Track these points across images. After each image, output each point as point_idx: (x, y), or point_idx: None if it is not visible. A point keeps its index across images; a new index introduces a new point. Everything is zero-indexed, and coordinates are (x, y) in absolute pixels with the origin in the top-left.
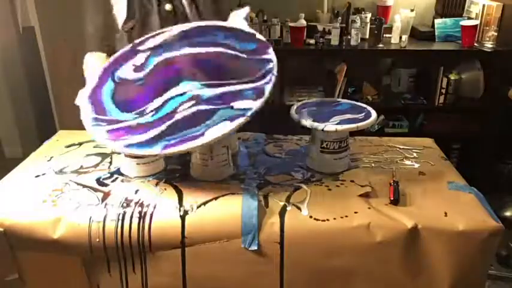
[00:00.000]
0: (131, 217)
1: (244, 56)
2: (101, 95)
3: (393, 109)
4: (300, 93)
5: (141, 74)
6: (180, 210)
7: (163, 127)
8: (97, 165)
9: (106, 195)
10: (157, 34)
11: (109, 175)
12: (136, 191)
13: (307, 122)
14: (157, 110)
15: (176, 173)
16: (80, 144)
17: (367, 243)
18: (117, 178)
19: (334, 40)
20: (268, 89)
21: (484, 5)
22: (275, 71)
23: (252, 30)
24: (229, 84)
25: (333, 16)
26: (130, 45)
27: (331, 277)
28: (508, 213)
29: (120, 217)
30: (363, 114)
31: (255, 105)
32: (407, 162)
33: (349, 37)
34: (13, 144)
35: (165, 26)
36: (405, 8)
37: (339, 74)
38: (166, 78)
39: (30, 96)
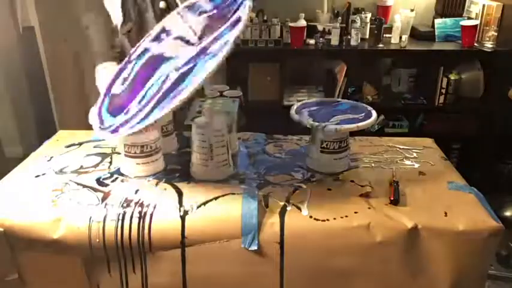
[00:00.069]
0: (131, 217)
1: (215, 10)
2: (101, 111)
3: (393, 109)
4: (300, 93)
5: (126, 84)
6: (180, 210)
7: (153, 102)
8: (97, 165)
9: (106, 195)
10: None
11: (109, 175)
12: (136, 191)
13: (307, 122)
14: (141, 100)
15: (176, 173)
16: (80, 144)
17: (367, 243)
18: (117, 178)
19: (334, 40)
20: (244, 13)
21: (484, 5)
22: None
23: None
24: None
25: (333, 16)
26: (127, 58)
27: (331, 277)
28: (508, 213)
29: (120, 217)
30: (363, 114)
31: (233, 34)
32: (407, 162)
33: (349, 37)
34: (13, 144)
35: None
36: (405, 8)
37: (339, 74)
38: (148, 74)
39: (30, 96)
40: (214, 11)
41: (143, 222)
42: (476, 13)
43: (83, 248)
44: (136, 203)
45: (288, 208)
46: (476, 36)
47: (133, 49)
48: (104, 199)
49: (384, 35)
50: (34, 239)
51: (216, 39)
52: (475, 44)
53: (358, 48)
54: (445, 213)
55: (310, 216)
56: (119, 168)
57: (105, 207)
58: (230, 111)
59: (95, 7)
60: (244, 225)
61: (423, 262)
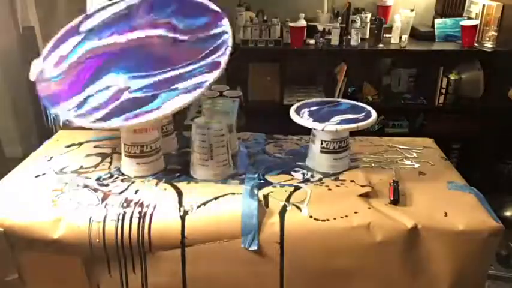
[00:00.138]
0: (131, 217)
1: (185, 38)
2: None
3: (393, 109)
4: (300, 93)
5: (59, 70)
6: (180, 210)
7: (106, 110)
8: (97, 165)
9: (106, 195)
10: (103, 8)
11: (109, 175)
12: (136, 191)
13: (307, 122)
14: (78, 106)
15: (176, 173)
16: (80, 144)
17: (367, 243)
18: (117, 178)
19: (334, 40)
20: (224, 60)
21: (484, 5)
22: (230, 42)
23: (206, 1)
24: (164, 73)
25: (333, 16)
26: (79, 19)
27: (331, 277)
28: (508, 213)
29: (120, 217)
30: (363, 114)
31: (211, 77)
32: (407, 162)
33: (349, 37)
34: (13, 144)
35: None
36: (405, 8)
37: (339, 74)
38: (88, 73)
39: (30, 96)
40: (185, 37)
41: (143, 222)
42: (476, 13)
43: (83, 248)
44: (136, 203)
45: (288, 208)
46: (476, 36)
47: (91, 10)
48: (104, 199)
49: (384, 35)
50: (34, 239)
51: (183, 75)
52: (475, 44)
53: (358, 48)
54: (445, 213)
55: (310, 216)
56: (119, 168)
57: (105, 207)
58: (230, 111)
59: None
60: (244, 225)
61: (423, 262)
